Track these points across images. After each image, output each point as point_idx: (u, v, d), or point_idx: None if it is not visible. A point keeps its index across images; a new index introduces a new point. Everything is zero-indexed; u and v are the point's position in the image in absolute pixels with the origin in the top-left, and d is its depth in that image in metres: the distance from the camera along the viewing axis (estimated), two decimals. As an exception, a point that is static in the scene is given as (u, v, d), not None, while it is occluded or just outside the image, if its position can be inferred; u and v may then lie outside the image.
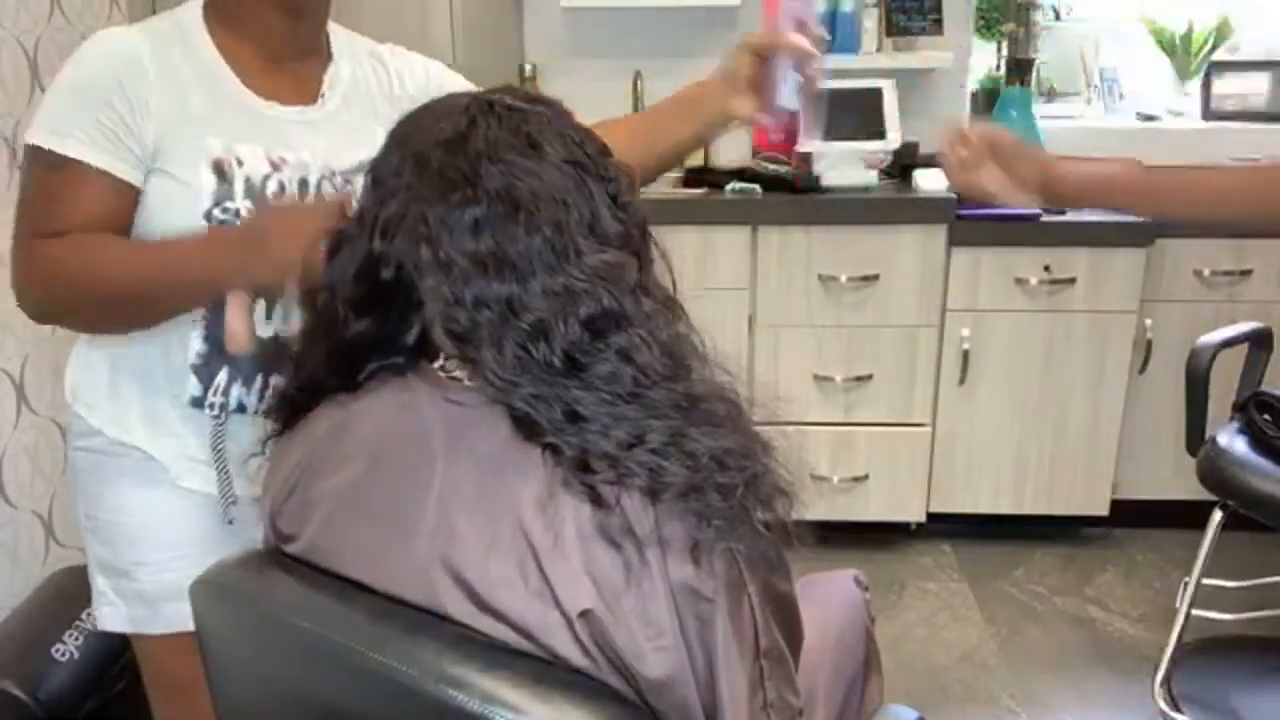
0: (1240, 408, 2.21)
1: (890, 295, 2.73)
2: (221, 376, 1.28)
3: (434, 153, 0.88)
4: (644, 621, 0.81)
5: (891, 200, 2.76)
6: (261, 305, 1.24)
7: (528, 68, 3.02)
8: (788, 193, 2.77)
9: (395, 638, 0.83)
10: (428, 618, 0.85)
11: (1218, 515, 2.19)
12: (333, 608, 0.88)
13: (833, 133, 2.80)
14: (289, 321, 1.26)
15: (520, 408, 0.83)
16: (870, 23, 2.94)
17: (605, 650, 0.81)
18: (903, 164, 2.92)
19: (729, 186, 2.82)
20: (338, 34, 1.37)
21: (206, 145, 1.20)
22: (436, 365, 0.91)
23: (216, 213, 1.21)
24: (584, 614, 0.80)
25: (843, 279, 2.72)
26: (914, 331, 2.76)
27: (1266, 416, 2.13)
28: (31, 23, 2.04)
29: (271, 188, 1.24)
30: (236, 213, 1.22)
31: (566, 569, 0.80)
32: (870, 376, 2.79)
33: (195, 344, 1.26)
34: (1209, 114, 3.14)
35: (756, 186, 2.80)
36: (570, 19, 3.11)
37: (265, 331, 1.26)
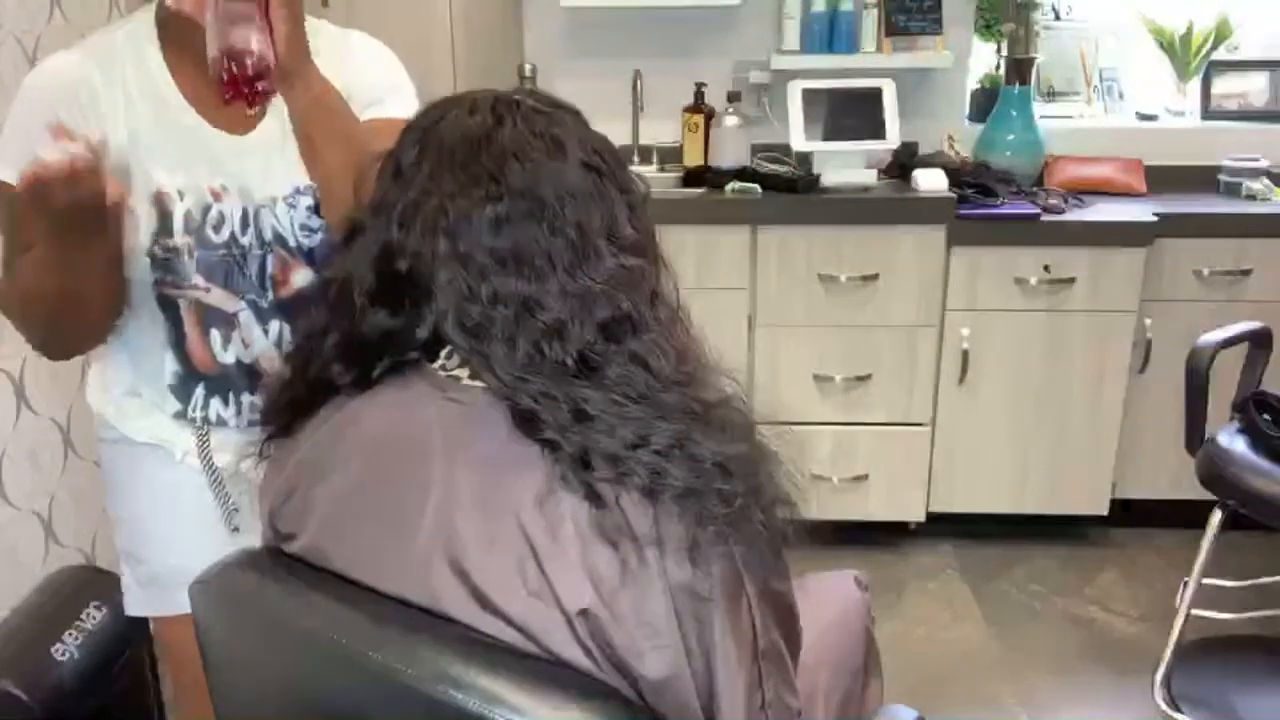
0: (1240, 407, 2.21)
1: (890, 295, 2.73)
2: (199, 392, 1.32)
3: (458, 147, 0.88)
4: (641, 621, 0.81)
5: (891, 200, 2.76)
6: (217, 337, 1.30)
7: (528, 68, 3.02)
8: (788, 193, 2.77)
9: (396, 638, 0.83)
10: (428, 618, 0.85)
11: (1218, 515, 2.18)
12: (333, 608, 0.87)
13: (833, 133, 2.81)
14: (249, 349, 1.31)
15: (526, 404, 0.83)
16: (870, 23, 2.94)
17: (605, 649, 0.81)
18: (902, 164, 2.92)
19: (729, 186, 2.82)
20: (314, 39, 1.32)
21: (150, 176, 1.20)
22: (436, 365, 0.91)
23: (157, 250, 1.23)
24: (582, 613, 0.80)
25: (842, 279, 2.72)
26: (914, 331, 2.76)
27: (1266, 416, 2.13)
28: (31, 22, 2.04)
29: (212, 218, 1.25)
30: (176, 250, 1.23)
31: (565, 567, 0.80)
32: (870, 376, 2.79)
33: (170, 365, 1.31)
34: (1208, 114, 3.14)
35: (756, 186, 2.80)
36: (570, 19, 3.11)
37: (227, 358, 1.31)
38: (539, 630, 0.82)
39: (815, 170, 2.80)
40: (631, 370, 0.85)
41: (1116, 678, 2.39)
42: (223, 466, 1.35)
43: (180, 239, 1.23)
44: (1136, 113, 3.18)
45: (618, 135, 3.03)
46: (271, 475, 0.98)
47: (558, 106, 0.93)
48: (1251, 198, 2.85)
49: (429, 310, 0.88)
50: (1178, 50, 3.10)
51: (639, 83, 3.09)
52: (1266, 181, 2.88)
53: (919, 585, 2.77)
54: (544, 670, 0.81)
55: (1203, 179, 2.98)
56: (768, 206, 2.74)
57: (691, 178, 3.02)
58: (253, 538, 1.27)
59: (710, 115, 3.02)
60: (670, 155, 3.14)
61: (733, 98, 3.01)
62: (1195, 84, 3.14)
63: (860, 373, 2.79)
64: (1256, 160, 2.92)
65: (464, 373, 0.89)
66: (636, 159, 3.14)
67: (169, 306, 1.28)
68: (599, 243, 0.87)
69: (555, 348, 0.84)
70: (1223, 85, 3.14)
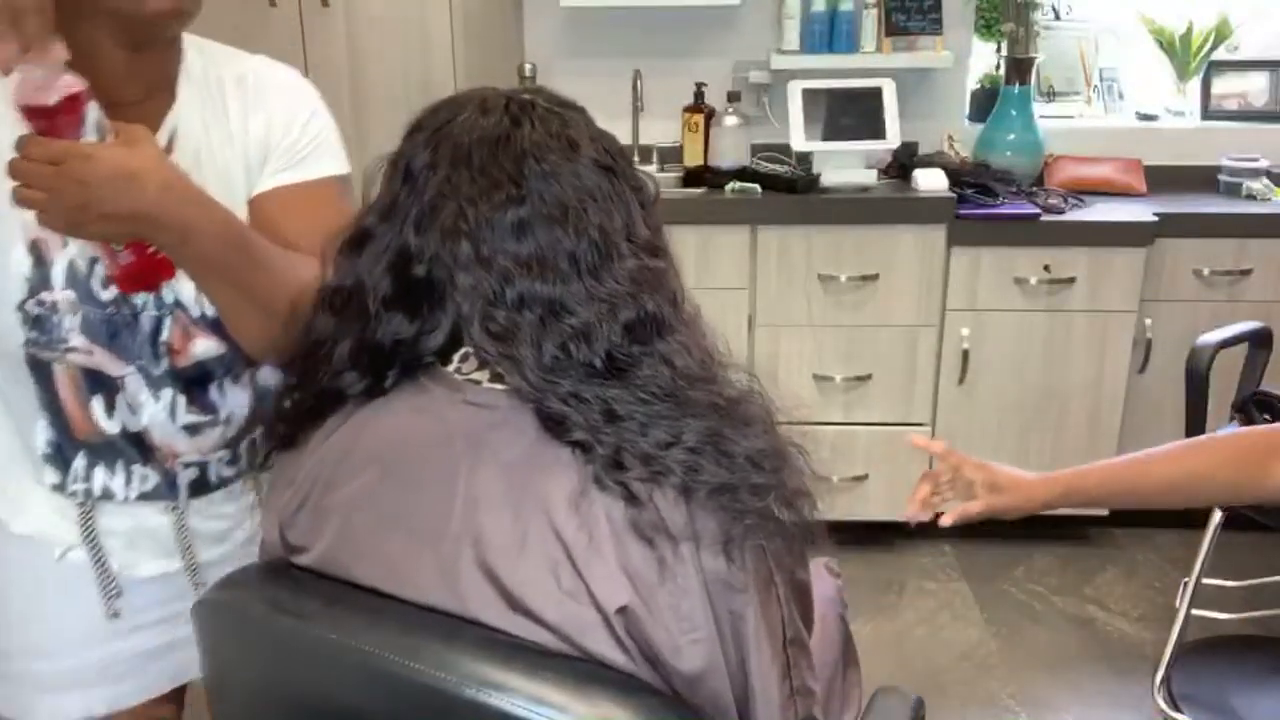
0: (1240, 407, 2.21)
1: (890, 295, 2.73)
2: (79, 463, 1.14)
3: (475, 149, 0.87)
4: (678, 616, 0.81)
5: (891, 200, 2.76)
6: (99, 403, 1.11)
7: (527, 68, 3.02)
8: (788, 192, 2.77)
9: (430, 645, 0.83)
10: (459, 624, 0.84)
11: (1217, 515, 2.19)
12: (360, 618, 0.87)
13: (832, 132, 2.81)
14: (136, 415, 1.12)
15: (555, 407, 0.83)
16: (870, 23, 2.94)
17: (642, 646, 0.82)
18: (902, 164, 2.92)
19: (729, 186, 2.82)
20: (200, 56, 1.13)
21: (26, 219, 0.96)
22: (451, 368, 0.90)
23: (31, 306, 1.05)
24: (621, 610, 0.80)
25: (842, 279, 2.72)
26: (914, 331, 2.76)
27: (1266, 416, 2.13)
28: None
29: (100, 272, 1.06)
30: (55, 306, 1.05)
31: (602, 567, 0.80)
32: (870, 376, 2.79)
33: (43, 433, 1.13)
34: (1208, 113, 3.14)
35: (756, 186, 2.80)
36: (570, 19, 3.11)
37: (111, 427, 1.12)
38: (574, 630, 0.81)
39: (815, 170, 2.80)
40: (659, 370, 0.85)
41: (1116, 678, 2.40)
42: (108, 547, 1.16)
43: (60, 294, 1.05)
44: (1136, 113, 3.18)
45: (618, 135, 3.02)
46: (280, 488, 0.96)
47: (566, 106, 0.93)
48: (1251, 198, 2.85)
49: (444, 315, 0.87)
50: (1178, 50, 3.10)
51: (639, 83, 3.09)
52: (1266, 181, 2.88)
53: (919, 585, 2.77)
54: (584, 670, 0.81)
55: (1203, 179, 2.98)
56: (768, 206, 2.74)
57: (691, 178, 3.02)
58: (143, 635, 1.20)
59: (710, 115, 3.02)
60: (670, 155, 3.14)
61: (733, 98, 3.01)
62: (1195, 84, 3.15)
63: (860, 373, 2.79)
64: (1256, 160, 2.92)
65: (483, 375, 0.88)
66: (637, 159, 3.14)
67: (40, 368, 1.09)
68: (620, 243, 0.87)
69: (583, 349, 0.83)
70: (1222, 85, 3.14)
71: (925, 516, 1.31)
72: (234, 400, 1.16)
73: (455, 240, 0.85)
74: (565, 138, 0.88)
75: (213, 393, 1.15)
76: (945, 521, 1.33)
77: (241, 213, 1.10)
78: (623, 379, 0.84)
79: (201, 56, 1.12)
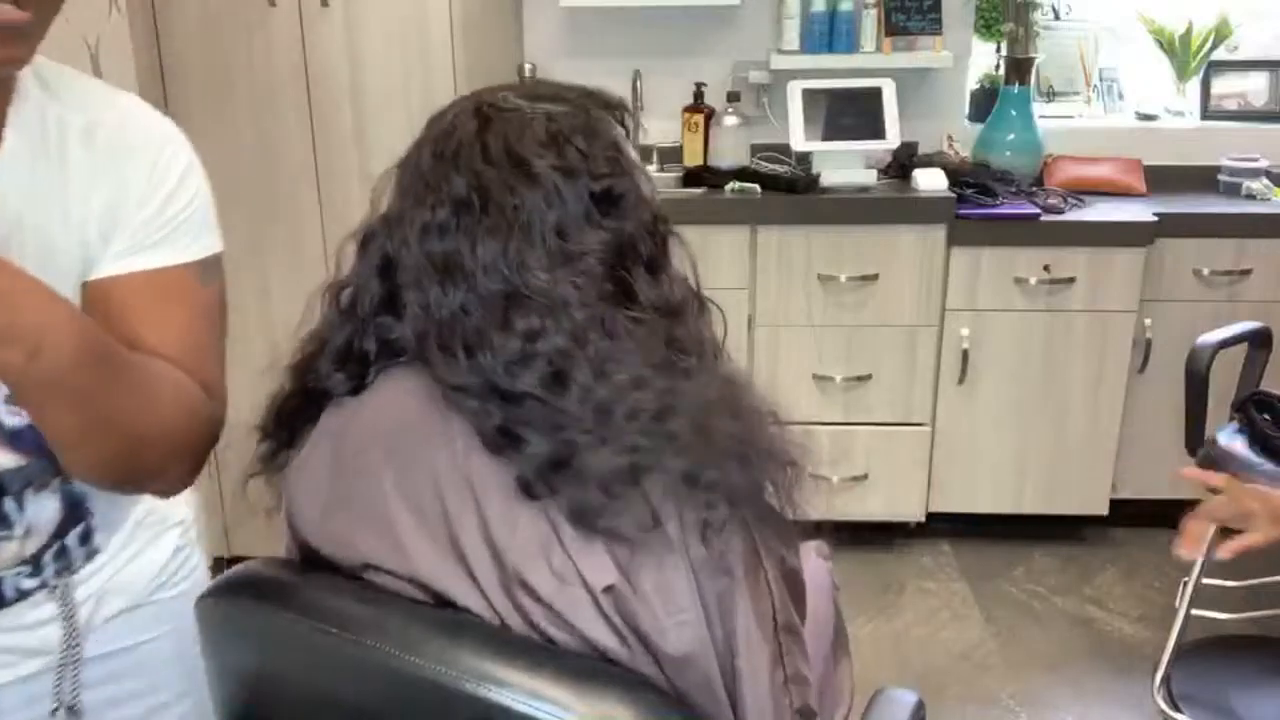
0: (1239, 407, 2.21)
1: (889, 295, 2.73)
2: None
3: (421, 154, 0.90)
4: (665, 598, 0.82)
5: (891, 200, 2.76)
6: None
7: (527, 67, 3.02)
8: (787, 193, 2.77)
9: (432, 640, 0.83)
10: (461, 618, 0.85)
11: (1217, 515, 2.18)
12: (362, 612, 0.87)
13: (832, 133, 2.81)
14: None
15: (470, 406, 0.84)
16: (870, 23, 2.94)
17: (631, 626, 0.83)
18: (902, 164, 2.92)
19: (729, 186, 2.82)
20: (42, 91, 0.86)
21: None
22: None
23: None
24: (608, 590, 0.81)
25: (842, 279, 2.72)
26: (913, 331, 2.77)
27: (1266, 416, 2.14)
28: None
29: None
30: None
31: (589, 548, 0.82)
32: (870, 376, 2.79)
33: None
34: (1208, 113, 3.14)
35: (756, 186, 2.80)
36: (570, 19, 3.11)
37: None
38: (567, 608, 0.82)
39: (815, 170, 2.80)
40: (547, 370, 0.83)
41: (1116, 677, 2.40)
42: None
43: None
44: (1136, 113, 3.18)
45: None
46: (293, 478, 0.97)
47: (539, 99, 0.91)
48: (1251, 198, 2.85)
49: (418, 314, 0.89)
50: (1177, 50, 3.10)
51: (639, 83, 3.09)
52: (1266, 181, 2.88)
53: (918, 585, 2.77)
54: (585, 666, 0.82)
55: (1202, 179, 2.98)
56: (767, 206, 2.75)
57: (691, 178, 3.02)
58: None
59: (710, 115, 3.02)
60: (670, 155, 3.13)
61: (732, 98, 3.01)
62: (1195, 84, 3.15)
63: (860, 373, 2.79)
64: (1256, 160, 2.92)
65: None
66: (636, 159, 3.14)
67: None
68: (526, 251, 0.85)
69: (486, 358, 0.84)
70: (1222, 85, 3.14)
71: (1199, 554, 1.26)
72: (37, 511, 0.94)
73: (398, 245, 0.89)
74: (502, 138, 0.87)
75: (8, 505, 0.92)
76: (1223, 555, 1.28)
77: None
78: (521, 382, 0.83)
79: (44, 91, 0.86)
